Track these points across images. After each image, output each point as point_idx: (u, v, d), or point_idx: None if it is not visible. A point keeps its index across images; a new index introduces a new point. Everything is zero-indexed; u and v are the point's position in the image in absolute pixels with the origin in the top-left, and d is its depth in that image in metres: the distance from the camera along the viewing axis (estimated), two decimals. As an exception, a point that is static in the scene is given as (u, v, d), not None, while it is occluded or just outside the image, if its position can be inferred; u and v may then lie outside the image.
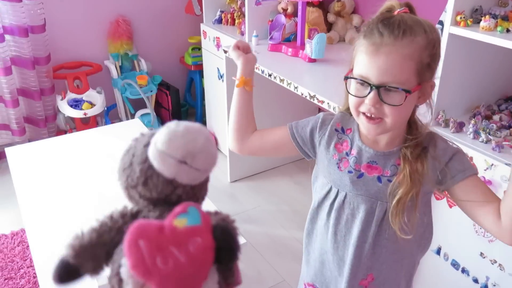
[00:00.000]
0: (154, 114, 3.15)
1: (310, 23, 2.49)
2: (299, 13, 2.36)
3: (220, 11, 3.01)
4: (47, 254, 1.42)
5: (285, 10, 2.61)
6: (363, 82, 0.92)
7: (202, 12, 3.11)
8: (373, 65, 0.91)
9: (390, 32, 0.90)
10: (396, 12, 0.94)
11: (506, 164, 1.46)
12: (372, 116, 0.94)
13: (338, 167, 1.07)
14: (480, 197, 0.98)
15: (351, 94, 0.96)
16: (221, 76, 2.94)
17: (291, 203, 2.74)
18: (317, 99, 1.95)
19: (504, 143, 1.55)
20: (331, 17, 2.62)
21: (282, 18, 2.51)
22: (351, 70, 0.98)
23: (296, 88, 2.07)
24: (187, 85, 3.60)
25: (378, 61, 0.90)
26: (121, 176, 0.74)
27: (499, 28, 1.48)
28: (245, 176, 2.95)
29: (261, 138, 1.19)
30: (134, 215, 0.72)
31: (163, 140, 0.68)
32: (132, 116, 3.26)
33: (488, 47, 1.54)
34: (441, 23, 2.06)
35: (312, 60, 2.29)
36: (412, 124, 1.02)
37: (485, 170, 1.51)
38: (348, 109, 1.04)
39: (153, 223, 0.62)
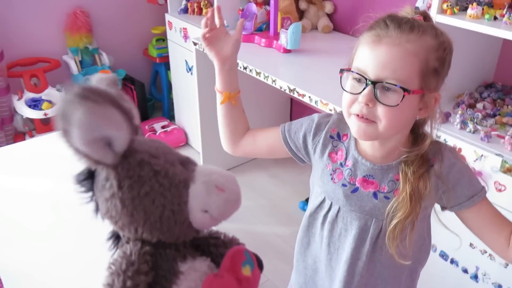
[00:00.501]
0: (120, 110, 2.99)
1: (282, 12, 2.40)
2: (271, 2, 2.26)
3: (186, 0, 2.87)
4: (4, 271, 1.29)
5: (255, -2, 2.51)
6: (360, 77, 0.83)
7: (166, 2, 2.96)
8: (372, 57, 0.82)
9: (396, 25, 0.82)
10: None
11: (496, 155, 1.44)
12: (363, 117, 0.85)
13: (332, 179, 0.97)
14: (487, 225, 0.92)
15: (345, 90, 0.87)
16: (190, 69, 2.82)
17: (269, 197, 2.67)
18: (297, 92, 1.88)
19: (492, 132, 1.53)
20: (302, 5, 2.54)
21: (253, 7, 2.42)
22: (349, 67, 0.88)
23: (274, 81, 1.99)
24: (152, 78, 3.45)
25: (378, 53, 0.81)
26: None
27: (486, 16, 1.45)
28: (219, 171, 2.85)
29: (253, 141, 1.12)
30: (150, 253, 0.63)
31: (220, 211, 0.63)
32: (96, 113, 3.08)
33: (471, 34, 1.50)
34: (416, 9, 2.03)
35: (287, 51, 2.21)
36: (418, 137, 0.92)
37: (474, 161, 1.49)
38: None
39: (228, 279, 0.62)
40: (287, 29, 2.15)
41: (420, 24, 0.83)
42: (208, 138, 2.68)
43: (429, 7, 1.87)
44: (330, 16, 2.55)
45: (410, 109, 0.85)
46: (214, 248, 0.70)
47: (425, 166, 0.89)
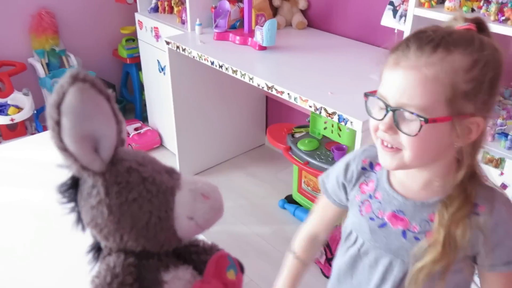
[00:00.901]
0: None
1: (256, 8, 2.37)
2: (245, -1, 2.23)
3: (156, -2, 2.81)
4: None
5: (228, -5, 2.47)
6: (381, 103, 0.76)
7: (135, 1, 2.89)
8: (391, 82, 0.75)
9: (418, 45, 0.72)
10: (456, 28, 0.76)
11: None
12: (388, 145, 0.78)
13: (360, 211, 0.90)
14: None
15: (369, 115, 0.79)
16: (162, 69, 2.75)
17: (248, 196, 2.64)
18: (276, 89, 1.85)
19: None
20: (276, 1, 2.51)
21: (226, 4, 2.37)
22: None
23: (251, 79, 1.95)
24: (123, 79, 3.36)
25: (396, 77, 0.73)
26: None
27: (464, 8, 1.45)
28: (196, 172, 2.80)
29: (325, 232, 1.07)
30: (134, 264, 0.63)
31: (206, 218, 0.65)
32: (65, 117, 2.99)
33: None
34: (391, 3, 2.03)
35: (263, 48, 2.18)
36: (473, 173, 0.80)
37: None
38: None
39: (215, 284, 0.64)
40: (262, 26, 2.12)
41: (450, 40, 0.72)
42: (184, 139, 2.63)
43: (403, 1, 1.87)
44: (304, 12, 2.54)
45: (438, 139, 0.75)
46: (196, 255, 0.72)
47: (467, 210, 0.78)
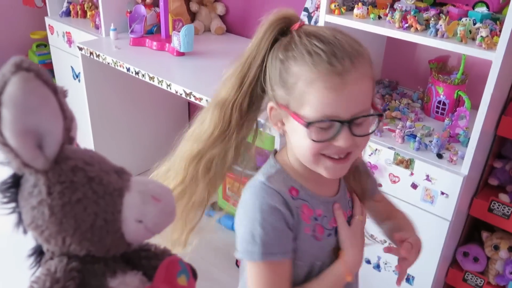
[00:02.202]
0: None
1: (173, 14, 2.33)
2: (161, 3, 2.18)
3: (67, 2, 2.67)
4: None
5: (144, 0, 2.40)
6: (332, 123, 0.73)
7: (44, 4, 2.73)
8: (342, 98, 0.72)
9: (347, 57, 0.71)
10: (297, 26, 0.78)
11: (389, 148, 1.50)
12: (341, 156, 0.76)
13: (315, 238, 0.83)
14: (388, 210, 1.03)
15: (315, 141, 0.74)
16: (77, 76, 2.62)
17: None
18: (194, 96, 1.82)
19: (383, 127, 1.60)
20: (194, 6, 2.48)
21: (142, 9, 2.31)
22: (296, 114, 0.74)
23: (169, 85, 1.90)
24: (35, 87, 3.17)
25: (345, 94, 0.71)
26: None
27: (371, 15, 1.50)
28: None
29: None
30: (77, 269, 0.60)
31: (156, 221, 0.61)
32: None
33: (358, 33, 1.55)
34: (306, 9, 2.07)
35: (181, 54, 2.14)
36: None
37: (369, 155, 1.54)
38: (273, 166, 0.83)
39: None
40: (179, 32, 2.08)
41: (350, 40, 0.75)
42: (102, 149, 2.52)
43: (317, 8, 1.92)
44: (222, 17, 2.52)
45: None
46: (146, 260, 0.68)
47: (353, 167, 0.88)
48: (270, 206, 0.78)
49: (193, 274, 0.70)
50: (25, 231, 0.60)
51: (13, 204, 0.59)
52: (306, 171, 0.82)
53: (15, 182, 0.58)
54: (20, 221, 0.59)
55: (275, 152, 0.90)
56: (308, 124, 0.73)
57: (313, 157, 0.76)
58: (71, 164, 0.58)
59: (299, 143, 0.77)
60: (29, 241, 0.64)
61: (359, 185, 0.93)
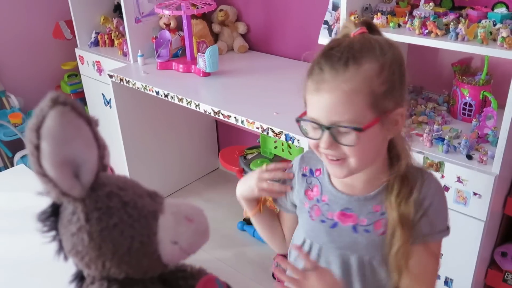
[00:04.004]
0: (37, 153, 2.82)
1: (197, 36, 2.41)
2: (185, 27, 2.26)
3: (95, 32, 2.78)
4: None
5: (167, 25, 2.49)
6: (315, 125, 0.80)
7: (74, 36, 2.86)
8: (319, 104, 0.79)
9: (330, 66, 0.77)
10: (352, 35, 0.81)
11: (418, 152, 1.52)
12: (333, 158, 0.82)
13: (310, 216, 0.93)
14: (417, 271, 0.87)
15: (307, 136, 0.83)
16: (108, 102, 2.72)
17: (206, 222, 2.63)
18: (222, 114, 1.87)
19: (411, 132, 1.61)
20: (216, 28, 2.56)
21: (167, 34, 2.39)
22: (305, 112, 0.84)
23: (197, 106, 1.97)
24: (68, 115, 3.29)
25: (322, 100, 0.78)
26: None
27: (391, 24, 1.54)
28: (151, 203, 2.77)
29: (290, 232, 1.07)
30: None
31: (190, 241, 0.64)
32: (10, 160, 2.89)
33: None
34: (326, 22, 2.11)
35: (207, 74, 2.21)
36: (394, 159, 0.86)
37: (399, 161, 1.56)
38: None
39: None
40: (204, 53, 2.15)
41: (354, 53, 0.77)
42: (136, 171, 2.59)
43: (337, 20, 1.96)
44: (244, 36, 2.59)
45: (374, 139, 0.80)
46: (183, 281, 0.71)
47: (407, 190, 0.84)
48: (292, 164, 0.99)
49: None
50: (65, 258, 0.62)
51: (53, 232, 0.61)
52: None
53: (55, 211, 0.61)
54: (61, 248, 0.62)
55: None
56: (296, 121, 0.84)
57: (316, 151, 0.85)
58: (106, 190, 0.60)
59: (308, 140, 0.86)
60: (70, 267, 0.65)
61: (403, 210, 0.84)
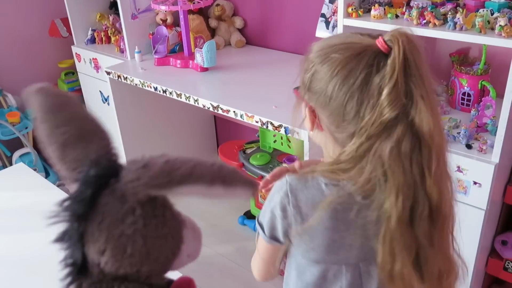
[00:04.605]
0: (35, 152, 2.82)
1: (194, 31, 2.40)
2: (182, 22, 2.25)
3: (92, 30, 2.77)
4: None
5: (164, 21, 2.48)
6: None
7: (70, 34, 2.85)
8: None
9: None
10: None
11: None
12: None
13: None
14: None
15: None
16: (106, 99, 2.72)
17: (206, 217, 2.63)
18: (221, 109, 1.87)
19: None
20: (213, 23, 2.55)
21: (164, 30, 2.39)
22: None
23: (196, 101, 1.97)
24: (66, 114, 3.29)
25: None
26: None
27: (389, 15, 1.54)
28: (151, 200, 2.77)
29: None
30: None
31: (198, 254, 0.66)
32: (9, 159, 2.89)
33: (376, 33, 1.59)
34: (323, 15, 2.11)
35: (205, 69, 2.21)
36: None
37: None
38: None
39: None
40: (201, 48, 2.15)
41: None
42: (136, 168, 2.59)
43: (334, 12, 1.96)
44: (241, 30, 2.59)
45: None
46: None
47: None
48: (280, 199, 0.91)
49: None
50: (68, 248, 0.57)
51: (73, 221, 0.55)
52: None
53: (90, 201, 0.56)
54: (74, 239, 0.56)
55: None
56: None
57: None
58: (161, 198, 0.61)
59: None
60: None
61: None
